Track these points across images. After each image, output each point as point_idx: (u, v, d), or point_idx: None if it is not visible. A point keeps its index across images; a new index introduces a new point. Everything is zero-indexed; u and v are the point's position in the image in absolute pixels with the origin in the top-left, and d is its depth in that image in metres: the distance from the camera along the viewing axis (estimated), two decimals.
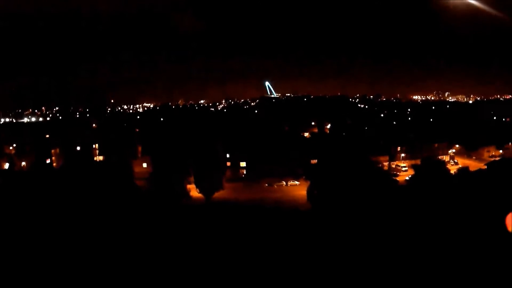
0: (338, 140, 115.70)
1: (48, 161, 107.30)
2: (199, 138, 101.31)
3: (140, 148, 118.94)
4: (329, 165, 75.04)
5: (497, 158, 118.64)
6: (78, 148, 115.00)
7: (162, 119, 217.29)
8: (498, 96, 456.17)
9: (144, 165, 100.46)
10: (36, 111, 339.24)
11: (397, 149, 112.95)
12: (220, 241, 56.23)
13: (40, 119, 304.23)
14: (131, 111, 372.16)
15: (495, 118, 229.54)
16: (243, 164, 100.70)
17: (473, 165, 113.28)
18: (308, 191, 69.05)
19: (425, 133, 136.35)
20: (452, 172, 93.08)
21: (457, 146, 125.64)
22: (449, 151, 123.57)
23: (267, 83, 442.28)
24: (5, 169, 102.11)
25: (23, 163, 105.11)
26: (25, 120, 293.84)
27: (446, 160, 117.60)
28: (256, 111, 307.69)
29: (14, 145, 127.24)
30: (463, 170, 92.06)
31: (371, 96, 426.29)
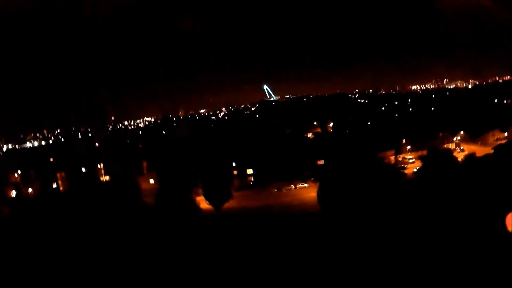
0: (342, 139, 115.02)
1: (54, 185, 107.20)
2: (204, 149, 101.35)
3: (145, 164, 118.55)
4: (336, 166, 74.76)
5: (503, 141, 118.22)
6: (84, 169, 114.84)
7: (164, 134, 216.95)
8: (497, 78, 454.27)
9: (151, 181, 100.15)
10: (38, 134, 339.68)
11: (402, 142, 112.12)
12: (232, 252, 56.14)
13: (43, 142, 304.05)
14: (132, 127, 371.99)
15: (496, 100, 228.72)
16: (250, 171, 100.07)
17: (480, 150, 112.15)
18: (318, 194, 68.54)
19: (428, 123, 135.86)
20: (459, 159, 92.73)
21: (461, 133, 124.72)
22: (454, 139, 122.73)
23: (265, 87, 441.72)
24: (13, 198, 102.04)
25: (30, 190, 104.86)
26: (28, 145, 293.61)
27: (452, 148, 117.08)
28: (257, 116, 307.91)
29: (20, 171, 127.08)
30: (470, 157, 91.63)
31: (370, 91, 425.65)
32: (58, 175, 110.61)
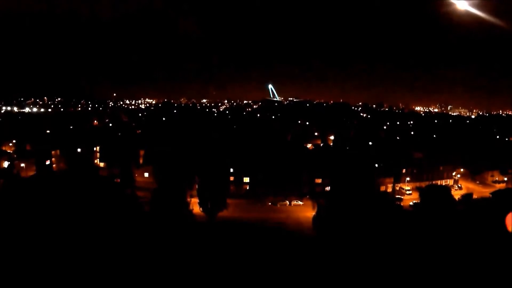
0: (342, 158, 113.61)
1: (48, 162, 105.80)
2: (202, 148, 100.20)
3: (141, 152, 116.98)
4: (335, 192, 73.96)
5: (501, 185, 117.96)
6: (79, 150, 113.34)
7: (164, 122, 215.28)
8: (500, 111, 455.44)
9: (146, 174, 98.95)
10: (38, 100, 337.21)
11: (402, 171, 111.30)
12: (221, 265, 55.46)
13: (42, 110, 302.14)
14: (133, 106, 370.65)
15: (498, 136, 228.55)
16: (246, 179, 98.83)
17: (477, 190, 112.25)
18: (314, 219, 67.66)
19: (429, 153, 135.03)
20: (456, 198, 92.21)
21: (461, 170, 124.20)
22: (454, 174, 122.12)
23: (270, 86, 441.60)
24: (5, 169, 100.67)
25: (22, 165, 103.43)
26: (27, 110, 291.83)
27: (450, 184, 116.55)
28: (258, 115, 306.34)
29: (14, 141, 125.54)
30: (467, 198, 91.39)
31: (374, 105, 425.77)
32: (53, 152, 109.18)
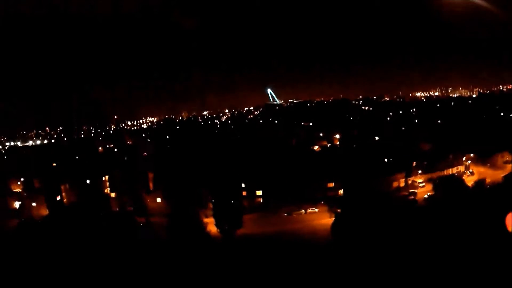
0: (351, 157, 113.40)
1: (58, 198, 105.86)
2: (212, 170, 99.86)
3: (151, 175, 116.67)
4: (349, 198, 73.66)
5: None
6: (88, 181, 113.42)
7: (168, 140, 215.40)
8: (501, 87, 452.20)
9: (158, 199, 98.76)
10: (40, 131, 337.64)
11: (412, 164, 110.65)
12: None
13: (45, 141, 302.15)
14: (135, 127, 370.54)
15: (502, 114, 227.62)
16: (259, 192, 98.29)
17: (489, 174, 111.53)
18: (333, 228, 67.15)
19: (437, 142, 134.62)
20: (469, 184, 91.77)
21: (471, 155, 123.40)
22: (464, 160, 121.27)
23: (269, 90, 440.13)
24: (18, 210, 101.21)
25: (34, 204, 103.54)
26: (30, 143, 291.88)
27: (462, 171, 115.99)
28: (261, 121, 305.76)
29: (22, 179, 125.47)
30: (480, 184, 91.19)
31: (374, 97, 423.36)
32: (62, 187, 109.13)
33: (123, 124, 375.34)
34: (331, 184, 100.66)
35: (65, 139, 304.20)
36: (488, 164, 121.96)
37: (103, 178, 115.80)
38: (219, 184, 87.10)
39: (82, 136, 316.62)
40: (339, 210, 70.92)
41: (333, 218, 73.28)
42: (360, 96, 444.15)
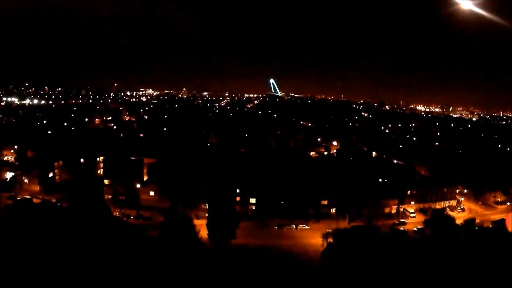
0: (347, 175, 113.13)
1: (51, 174, 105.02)
2: (208, 170, 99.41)
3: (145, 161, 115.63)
4: (342, 230, 73.66)
5: (503, 206, 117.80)
6: (82, 160, 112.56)
7: (165, 121, 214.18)
8: (501, 113, 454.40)
9: (152, 193, 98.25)
10: (39, 90, 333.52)
11: (406, 192, 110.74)
12: None
13: (43, 101, 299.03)
14: (134, 99, 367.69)
15: (499, 146, 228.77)
16: (252, 200, 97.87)
17: (479, 212, 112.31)
18: (324, 257, 67.28)
19: (433, 169, 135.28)
20: (459, 222, 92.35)
21: (464, 191, 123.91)
22: (457, 194, 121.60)
23: (272, 81, 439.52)
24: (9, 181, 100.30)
25: (26, 180, 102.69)
26: (28, 101, 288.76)
27: (453, 205, 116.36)
28: (259, 113, 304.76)
29: (15, 146, 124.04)
30: (470, 224, 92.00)
31: (375, 104, 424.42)
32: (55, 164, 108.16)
33: (122, 94, 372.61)
34: (325, 202, 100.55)
35: (62, 102, 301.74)
36: (480, 202, 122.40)
37: (97, 159, 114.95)
38: (214, 188, 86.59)
39: (80, 101, 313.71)
40: (330, 240, 70.86)
41: (323, 241, 73.71)
42: (361, 101, 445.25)
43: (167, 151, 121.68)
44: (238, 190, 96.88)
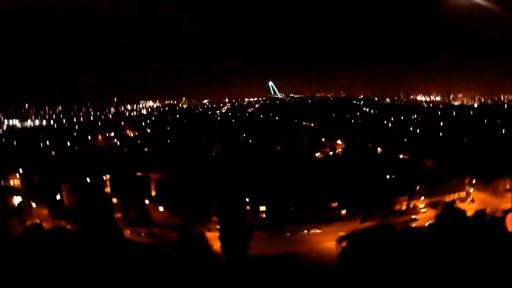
0: (355, 175, 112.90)
1: (58, 197, 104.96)
2: (216, 181, 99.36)
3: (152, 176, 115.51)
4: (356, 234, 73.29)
5: None
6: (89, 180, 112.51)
7: (169, 132, 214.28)
8: (502, 96, 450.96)
9: (161, 208, 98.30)
10: (39, 111, 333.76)
11: (416, 187, 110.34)
12: None
13: (44, 122, 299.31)
14: (134, 112, 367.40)
15: (504, 130, 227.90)
16: (262, 208, 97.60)
17: (489, 202, 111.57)
18: (339, 261, 67.11)
19: (440, 162, 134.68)
20: (469, 214, 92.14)
21: (473, 181, 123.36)
22: (466, 185, 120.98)
23: (270, 83, 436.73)
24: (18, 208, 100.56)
25: (34, 205, 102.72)
26: (29, 122, 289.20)
27: (463, 197, 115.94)
28: (261, 116, 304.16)
29: (21, 171, 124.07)
30: (480, 216, 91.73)
31: (376, 98, 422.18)
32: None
33: (122, 108, 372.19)
34: (335, 204, 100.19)
35: (64, 121, 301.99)
36: (490, 191, 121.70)
37: (104, 178, 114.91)
38: (224, 200, 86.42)
39: (81, 119, 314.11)
40: (345, 244, 70.59)
41: (337, 246, 73.36)
42: (362, 96, 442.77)
43: (172, 164, 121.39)
44: (247, 200, 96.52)
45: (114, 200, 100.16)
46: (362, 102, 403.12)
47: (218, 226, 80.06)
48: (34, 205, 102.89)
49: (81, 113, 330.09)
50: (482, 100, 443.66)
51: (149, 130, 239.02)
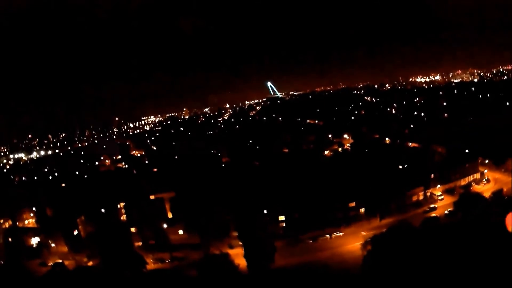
0: (368, 170, 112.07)
1: (75, 232, 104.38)
2: (230, 194, 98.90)
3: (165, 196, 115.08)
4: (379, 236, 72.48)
5: None
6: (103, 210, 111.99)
7: (174, 147, 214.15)
8: (500, 67, 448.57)
9: (180, 232, 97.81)
10: (43, 140, 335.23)
11: (430, 176, 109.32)
12: None
13: (49, 151, 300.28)
14: (138, 130, 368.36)
15: (508, 103, 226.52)
16: (281, 217, 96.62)
17: (505, 180, 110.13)
18: (364, 264, 66.46)
19: (450, 144, 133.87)
20: (487, 195, 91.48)
21: (485, 161, 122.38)
22: (479, 166, 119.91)
23: (269, 84, 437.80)
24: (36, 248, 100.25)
25: (53, 244, 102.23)
26: (35, 154, 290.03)
27: (478, 178, 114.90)
28: (264, 118, 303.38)
29: (34, 208, 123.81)
30: (498, 196, 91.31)
31: (375, 86, 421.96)
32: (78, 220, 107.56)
33: (125, 127, 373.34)
34: (352, 204, 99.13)
35: (69, 148, 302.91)
36: (503, 169, 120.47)
37: (118, 206, 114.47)
38: (242, 215, 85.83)
39: (86, 144, 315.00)
40: (369, 248, 69.87)
41: (362, 250, 72.64)
42: (361, 85, 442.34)
43: (184, 182, 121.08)
44: (265, 211, 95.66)
45: (133, 229, 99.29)
46: (362, 91, 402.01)
47: (240, 242, 79.58)
48: (52, 242, 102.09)
49: (84, 138, 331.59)
50: (482, 74, 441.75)
51: (154, 148, 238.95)
